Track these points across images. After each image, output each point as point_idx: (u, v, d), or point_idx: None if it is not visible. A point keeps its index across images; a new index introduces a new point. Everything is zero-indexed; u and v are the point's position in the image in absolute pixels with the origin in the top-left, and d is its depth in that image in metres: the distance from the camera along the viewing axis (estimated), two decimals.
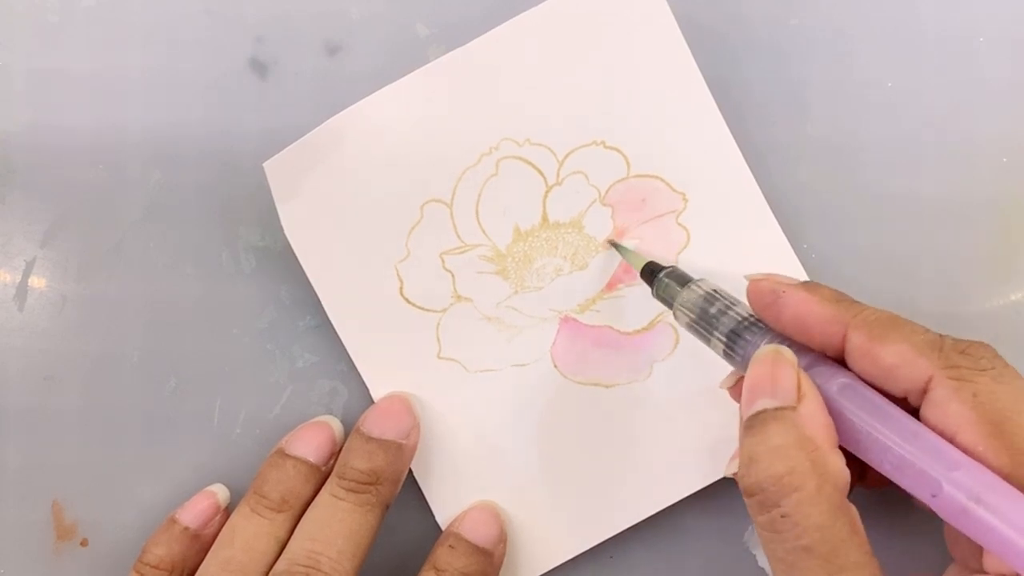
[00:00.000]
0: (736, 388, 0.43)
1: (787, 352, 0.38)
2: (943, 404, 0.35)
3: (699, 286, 0.42)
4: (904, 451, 0.34)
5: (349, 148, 0.48)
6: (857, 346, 0.37)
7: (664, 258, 0.48)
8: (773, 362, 0.37)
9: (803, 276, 0.48)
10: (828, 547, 0.33)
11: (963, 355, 0.35)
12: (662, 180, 0.48)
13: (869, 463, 0.36)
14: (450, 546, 0.46)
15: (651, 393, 0.48)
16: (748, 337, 0.40)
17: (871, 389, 0.36)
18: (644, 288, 0.47)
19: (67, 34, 0.51)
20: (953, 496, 0.33)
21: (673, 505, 0.48)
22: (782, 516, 0.34)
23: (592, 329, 0.48)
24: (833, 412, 0.36)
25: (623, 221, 0.48)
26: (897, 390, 0.36)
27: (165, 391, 0.50)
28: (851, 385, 0.36)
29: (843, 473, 0.35)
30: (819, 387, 0.36)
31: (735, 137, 0.48)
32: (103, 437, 0.50)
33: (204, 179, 0.50)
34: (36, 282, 0.50)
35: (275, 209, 0.48)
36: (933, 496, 0.33)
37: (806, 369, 0.37)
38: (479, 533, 0.46)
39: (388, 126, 0.48)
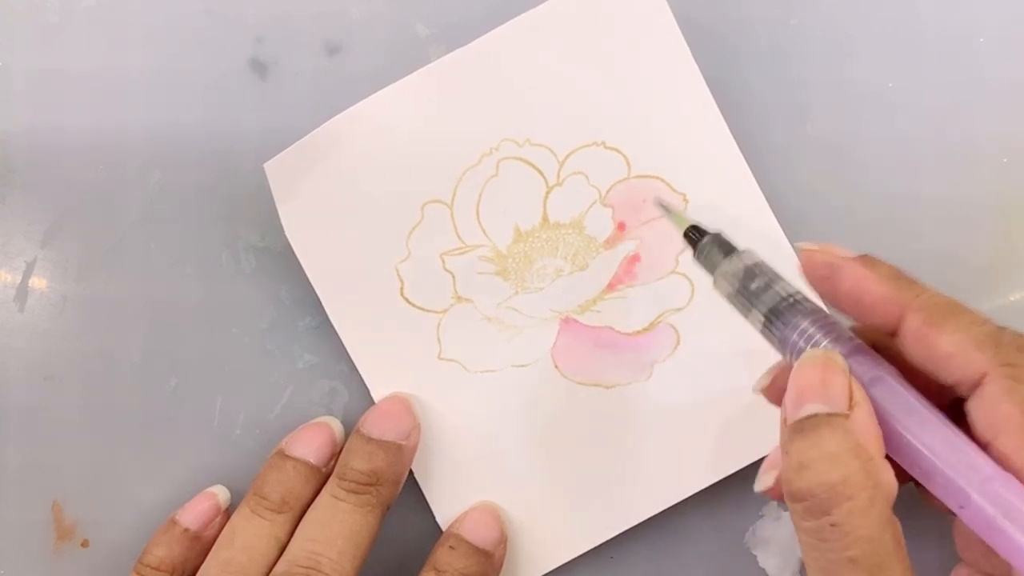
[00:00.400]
0: (771, 389, 0.41)
1: (838, 358, 0.36)
2: (993, 402, 0.34)
3: (743, 257, 0.40)
4: (935, 457, 0.34)
5: (349, 149, 0.48)
6: (913, 330, 0.35)
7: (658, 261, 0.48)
8: (824, 366, 0.36)
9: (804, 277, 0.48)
10: (874, 560, 0.33)
11: (1022, 352, 0.34)
12: (663, 180, 0.48)
13: (897, 460, 0.35)
14: (450, 547, 0.46)
15: (651, 394, 0.48)
16: (789, 317, 0.38)
17: (907, 385, 0.35)
18: (645, 289, 0.48)
19: (67, 34, 0.51)
20: (982, 509, 0.32)
21: (674, 505, 0.48)
22: (831, 524, 0.33)
23: (592, 330, 0.48)
24: None
25: (623, 221, 0.48)
26: (949, 379, 0.35)
27: (165, 391, 0.50)
28: (885, 380, 0.35)
29: (893, 485, 0.34)
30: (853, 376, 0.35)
31: (735, 137, 0.48)
32: (103, 437, 0.50)
33: (204, 179, 0.50)
34: (36, 282, 0.50)
35: (275, 209, 0.48)
36: (961, 507, 0.33)
37: (844, 357, 0.36)
38: (480, 534, 0.46)
39: (389, 127, 0.48)
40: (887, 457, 0.35)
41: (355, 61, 0.50)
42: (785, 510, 0.48)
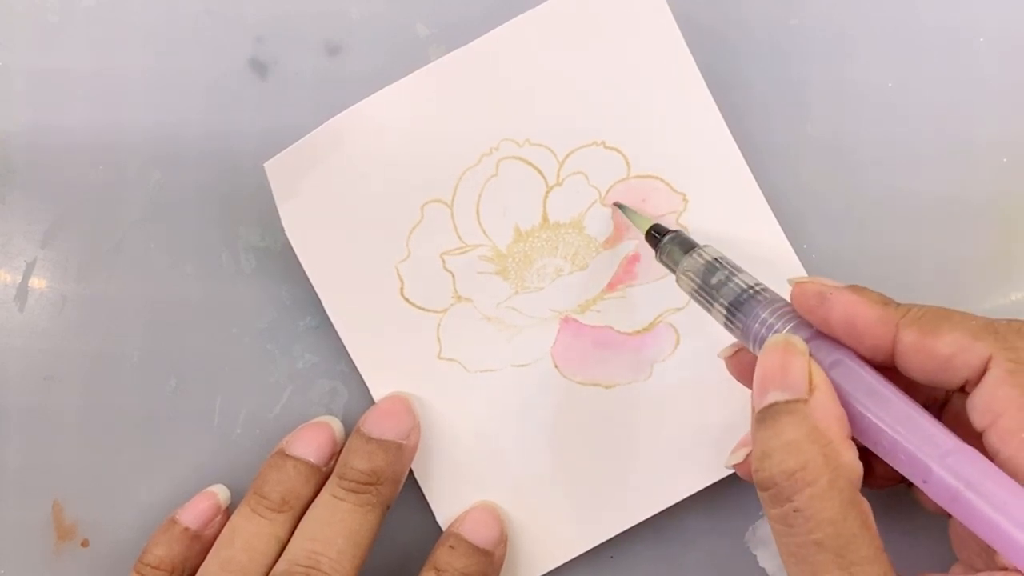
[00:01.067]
0: (734, 360, 0.43)
1: (798, 342, 0.37)
2: (993, 386, 0.34)
3: (702, 253, 0.42)
4: (896, 434, 0.34)
5: (349, 148, 0.48)
6: (910, 343, 0.36)
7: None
8: (784, 352, 0.37)
9: (802, 272, 0.48)
10: (839, 542, 0.33)
11: (1020, 335, 0.35)
12: (662, 180, 0.48)
13: (865, 444, 0.35)
14: (450, 546, 0.46)
15: (651, 394, 0.48)
16: (750, 307, 0.39)
17: (866, 367, 0.36)
18: (645, 289, 0.48)
19: (67, 34, 0.51)
20: (944, 481, 0.33)
21: (673, 505, 0.48)
22: (794, 511, 0.34)
23: (592, 329, 0.48)
24: None
25: (623, 221, 0.48)
26: (956, 380, 0.35)
27: (165, 391, 0.50)
28: (844, 362, 0.36)
29: (855, 466, 0.35)
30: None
31: (735, 137, 0.48)
32: (103, 437, 0.50)
33: (204, 179, 0.50)
34: (36, 282, 0.51)
35: (275, 209, 0.48)
36: (924, 481, 0.33)
37: (805, 342, 0.37)
38: (480, 534, 0.46)
39: (389, 126, 0.48)
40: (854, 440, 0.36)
41: (355, 61, 0.50)
42: None
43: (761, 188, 0.48)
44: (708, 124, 0.48)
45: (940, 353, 0.35)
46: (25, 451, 0.50)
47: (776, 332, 0.38)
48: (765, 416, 0.36)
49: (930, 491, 0.33)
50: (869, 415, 0.35)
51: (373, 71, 0.50)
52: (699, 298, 0.42)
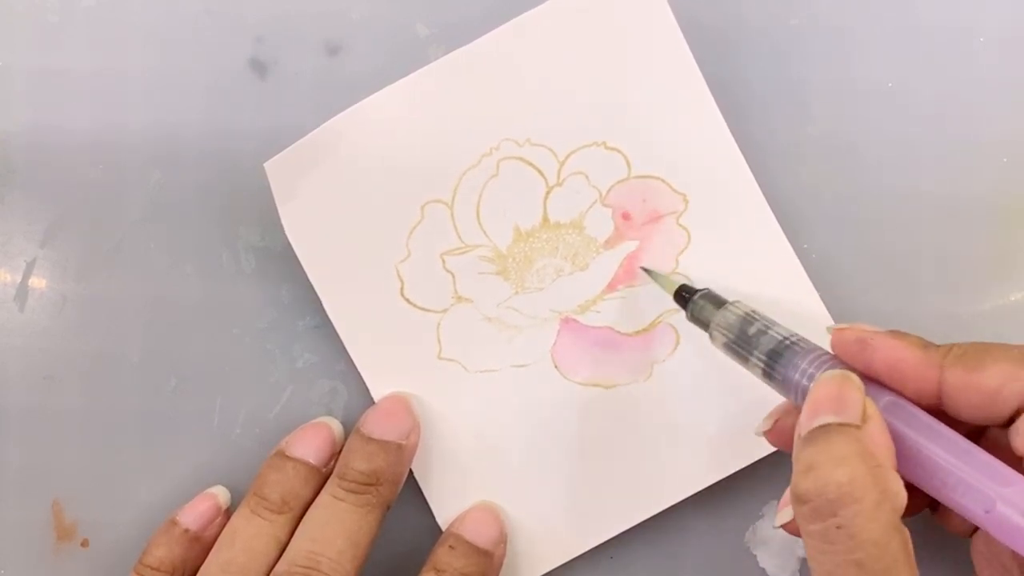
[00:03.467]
0: (773, 432, 0.42)
1: (854, 377, 0.37)
2: None
3: (735, 308, 0.42)
4: (956, 468, 0.34)
5: (350, 148, 0.48)
6: (956, 381, 0.36)
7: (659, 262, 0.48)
8: (840, 384, 0.36)
9: (803, 276, 0.48)
10: (881, 565, 0.33)
11: None
12: (663, 181, 0.48)
13: (915, 482, 0.35)
14: (450, 546, 0.46)
15: (651, 394, 0.48)
16: (789, 358, 0.39)
17: (921, 411, 0.36)
18: (645, 289, 0.48)
19: (67, 34, 0.51)
20: (1006, 513, 0.32)
21: (674, 505, 0.48)
22: (837, 527, 0.33)
23: (592, 330, 0.48)
24: None
25: (623, 222, 0.48)
26: (1006, 411, 0.35)
27: (165, 391, 0.50)
28: (898, 403, 0.36)
29: (902, 494, 0.34)
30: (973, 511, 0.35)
31: (735, 137, 0.48)
32: (103, 437, 0.50)
33: (204, 179, 0.50)
34: (36, 282, 0.50)
35: (275, 209, 0.48)
36: (986, 512, 0.33)
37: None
38: (479, 534, 0.46)
39: (389, 126, 0.48)
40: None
41: (355, 61, 0.50)
42: None
43: (761, 188, 0.48)
44: (709, 125, 0.48)
45: (987, 386, 0.35)
46: (25, 451, 0.50)
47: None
48: (815, 435, 0.35)
49: (990, 523, 0.33)
50: (929, 450, 0.34)
51: (373, 71, 0.49)
52: (735, 351, 0.42)
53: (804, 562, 0.48)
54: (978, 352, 0.36)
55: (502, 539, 0.47)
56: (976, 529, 0.40)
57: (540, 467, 0.48)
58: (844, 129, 0.50)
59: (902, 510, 0.34)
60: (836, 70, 0.50)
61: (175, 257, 0.50)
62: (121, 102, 0.51)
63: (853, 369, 0.38)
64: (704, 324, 0.43)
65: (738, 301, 0.43)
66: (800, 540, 0.45)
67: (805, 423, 0.36)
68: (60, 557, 0.50)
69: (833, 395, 0.36)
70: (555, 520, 0.48)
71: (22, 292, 0.51)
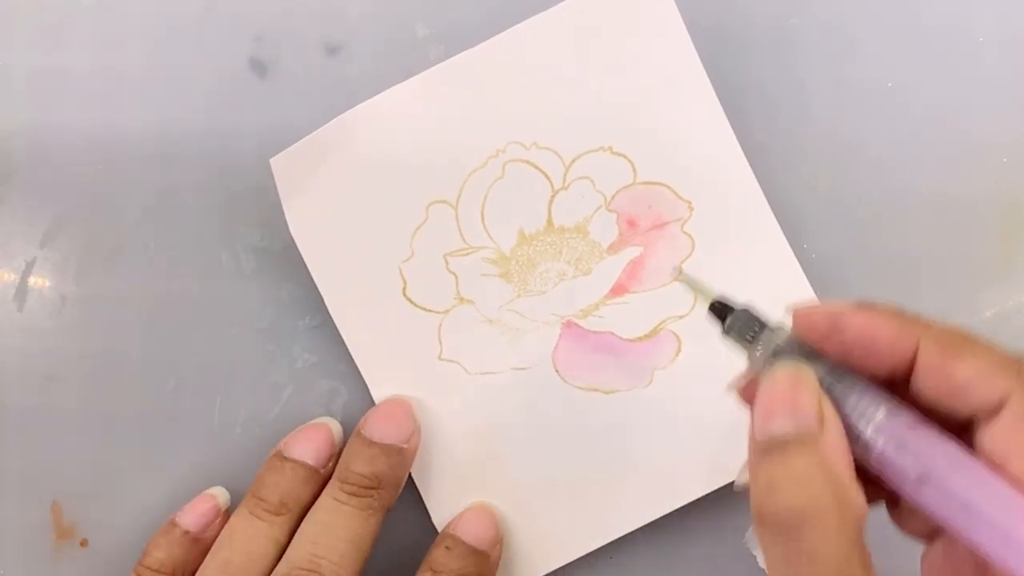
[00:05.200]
0: (748, 390, 0.39)
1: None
2: (1009, 428, 0.33)
3: (776, 335, 0.38)
4: (994, 550, 0.32)
5: (356, 147, 0.48)
6: (927, 362, 0.34)
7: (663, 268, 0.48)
8: (793, 383, 0.35)
9: (807, 287, 0.48)
10: None
11: None
12: (668, 187, 0.48)
13: (929, 510, 0.34)
14: (446, 547, 0.46)
15: (651, 401, 0.48)
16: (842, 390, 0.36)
17: (963, 473, 0.34)
18: (647, 295, 0.48)
19: (67, 34, 0.51)
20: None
21: None
22: (798, 549, 0.33)
23: (594, 335, 0.48)
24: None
25: (628, 228, 0.48)
26: (965, 410, 0.34)
27: (165, 391, 0.50)
28: (935, 480, 0.33)
29: (862, 507, 0.33)
30: (900, 472, 0.34)
31: (736, 136, 0.48)
32: (103, 437, 0.50)
33: (204, 179, 0.50)
34: (36, 282, 0.50)
35: (275, 209, 0.48)
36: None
37: (905, 434, 0.34)
38: (475, 534, 0.47)
39: (395, 126, 0.48)
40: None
41: (355, 61, 0.50)
42: None
43: (761, 188, 0.48)
44: (715, 132, 0.48)
45: (956, 379, 0.34)
46: (25, 451, 0.50)
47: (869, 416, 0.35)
48: (772, 448, 0.34)
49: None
50: (965, 530, 0.33)
51: (373, 71, 0.50)
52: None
53: None
54: (958, 341, 0.34)
55: (498, 540, 0.47)
56: (934, 535, 0.39)
57: (538, 470, 0.48)
58: (844, 129, 0.50)
59: (863, 522, 0.33)
60: (836, 70, 0.50)
61: (175, 257, 0.50)
62: (121, 102, 0.51)
63: (822, 352, 0.37)
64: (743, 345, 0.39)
65: (780, 326, 0.38)
66: None
67: (759, 426, 0.35)
68: (60, 557, 0.50)
69: (786, 398, 0.35)
70: (553, 523, 0.48)
71: (22, 292, 0.50)
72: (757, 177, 0.48)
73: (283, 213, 0.48)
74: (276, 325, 0.50)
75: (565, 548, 0.48)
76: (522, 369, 0.48)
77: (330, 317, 0.48)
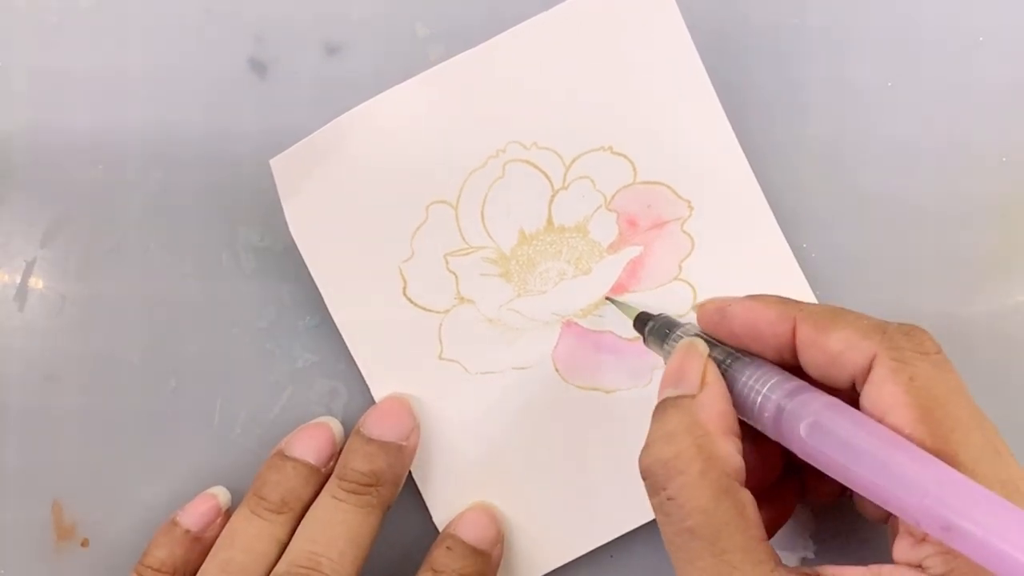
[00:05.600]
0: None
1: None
2: (879, 384, 0.35)
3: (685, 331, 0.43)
4: (878, 485, 0.34)
5: (356, 147, 0.48)
6: (804, 338, 0.37)
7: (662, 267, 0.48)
8: (685, 353, 0.39)
9: (807, 287, 0.48)
10: (711, 530, 0.35)
11: (906, 337, 0.36)
12: (668, 187, 0.48)
13: (855, 485, 0.35)
14: (447, 547, 0.46)
15: (651, 400, 0.47)
16: (737, 368, 0.40)
17: (843, 417, 0.35)
18: (648, 295, 0.48)
19: (67, 34, 0.51)
20: (930, 522, 0.32)
21: None
22: (668, 499, 0.36)
23: (594, 334, 0.48)
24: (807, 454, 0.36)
25: (628, 227, 0.48)
26: (844, 377, 0.37)
27: (165, 391, 0.50)
28: (818, 424, 0.35)
29: (732, 459, 0.36)
30: (789, 432, 0.36)
31: (735, 137, 0.48)
32: (103, 437, 0.50)
33: (204, 179, 0.50)
34: (36, 282, 0.50)
35: (275, 209, 0.48)
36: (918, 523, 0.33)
37: (789, 397, 0.37)
38: (476, 534, 0.47)
39: (396, 126, 0.48)
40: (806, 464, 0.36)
41: (355, 61, 0.50)
42: None
43: (761, 188, 0.48)
44: (715, 132, 0.48)
45: (830, 349, 0.37)
46: (25, 451, 0.50)
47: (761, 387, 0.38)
48: (657, 411, 0.38)
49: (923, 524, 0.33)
50: (848, 472, 0.34)
51: (372, 71, 0.50)
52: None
53: (805, 561, 0.48)
54: (830, 314, 0.37)
55: (499, 539, 0.47)
56: (889, 515, 0.41)
57: (539, 470, 0.48)
58: (844, 129, 0.50)
59: (737, 474, 0.36)
60: (836, 70, 0.50)
61: (175, 257, 0.50)
62: (121, 102, 0.51)
63: (719, 341, 0.41)
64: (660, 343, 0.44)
65: (690, 324, 0.44)
66: (801, 540, 0.46)
67: (658, 396, 0.39)
68: (60, 557, 0.50)
69: (676, 367, 0.39)
70: (553, 523, 0.48)
71: (22, 292, 0.50)
72: (757, 177, 0.48)
73: (283, 213, 0.48)
74: (276, 325, 0.50)
75: (565, 547, 0.48)
76: (522, 369, 0.48)
77: (330, 317, 0.48)
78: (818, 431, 0.35)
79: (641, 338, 0.46)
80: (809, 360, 0.37)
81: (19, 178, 0.51)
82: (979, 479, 0.32)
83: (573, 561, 0.48)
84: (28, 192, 0.51)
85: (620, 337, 0.48)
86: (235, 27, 0.51)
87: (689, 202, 0.48)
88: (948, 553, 0.33)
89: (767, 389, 0.37)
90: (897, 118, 0.50)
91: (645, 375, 0.48)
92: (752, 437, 0.39)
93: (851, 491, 0.38)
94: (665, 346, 0.43)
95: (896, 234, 0.49)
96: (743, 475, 0.36)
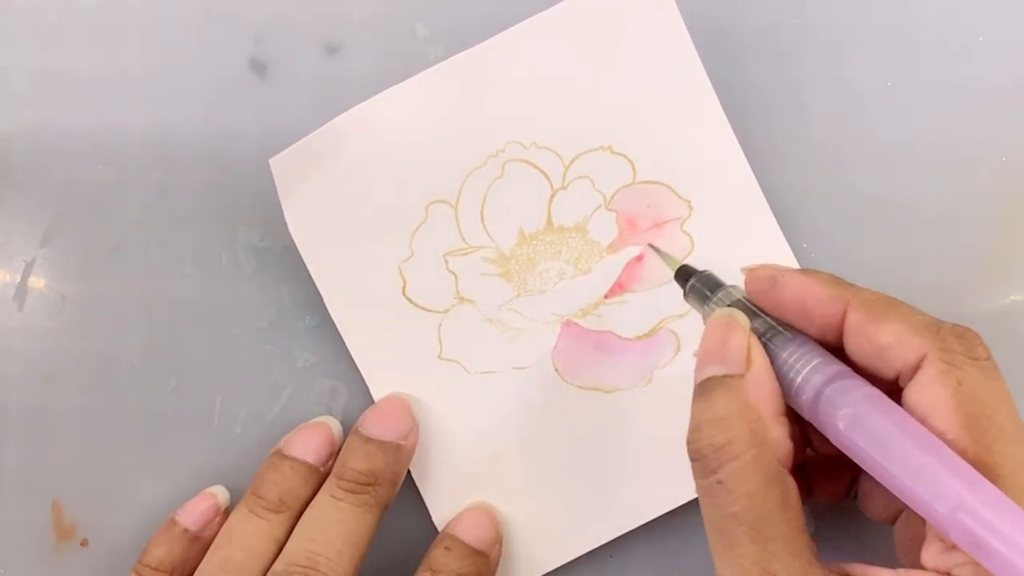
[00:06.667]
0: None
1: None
2: (927, 384, 0.34)
3: (734, 290, 0.41)
4: (910, 490, 0.33)
5: (355, 147, 0.48)
6: (854, 324, 0.37)
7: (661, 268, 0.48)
8: (726, 327, 0.38)
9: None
10: (755, 515, 0.34)
11: (959, 340, 0.35)
12: (668, 187, 0.48)
13: (881, 479, 0.35)
14: (446, 547, 0.46)
15: (651, 400, 0.48)
16: (778, 342, 0.39)
17: (884, 413, 0.35)
18: (647, 294, 0.48)
19: (67, 34, 0.51)
20: (965, 519, 0.32)
21: None
22: (718, 482, 0.35)
23: (593, 334, 0.48)
24: (842, 445, 0.35)
25: (627, 227, 0.48)
26: (890, 370, 0.36)
27: (165, 391, 0.50)
28: (857, 418, 0.35)
29: (783, 443, 0.36)
30: (826, 417, 0.36)
31: (735, 137, 0.48)
32: (103, 437, 0.50)
33: (204, 179, 0.50)
34: (36, 282, 0.50)
35: (275, 209, 0.48)
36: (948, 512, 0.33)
37: (830, 381, 0.36)
38: (475, 534, 0.47)
39: (395, 126, 0.48)
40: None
41: (355, 61, 0.50)
42: None
43: (761, 188, 0.48)
44: (715, 131, 0.48)
45: (879, 341, 0.36)
46: (25, 451, 0.50)
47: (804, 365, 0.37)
48: (701, 390, 0.37)
49: (951, 524, 0.32)
50: (882, 469, 0.34)
51: (372, 71, 0.50)
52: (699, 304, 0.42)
53: None
54: (884, 304, 0.37)
55: (497, 539, 0.47)
56: (897, 517, 0.41)
57: (539, 470, 0.48)
58: (844, 129, 0.50)
59: (787, 458, 0.36)
60: (836, 70, 0.50)
61: (175, 257, 0.50)
62: (121, 102, 0.51)
63: (764, 311, 0.39)
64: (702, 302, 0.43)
65: (735, 286, 0.42)
66: None
67: (697, 373, 0.38)
68: (60, 557, 0.50)
69: (718, 342, 0.38)
70: (552, 523, 0.48)
71: (22, 292, 0.50)
72: (757, 177, 0.48)
73: (283, 213, 0.48)
74: (276, 325, 0.50)
75: (565, 547, 0.48)
76: (522, 368, 0.48)
77: (330, 317, 0.48)
78: (855, 423, 0.35)
79: (641, 337, 0.46)
80: (856, 348, 0.37)
81: (19, 178, 0.51)
82: (1018, 493, 0.32)
83: (573, 561, 0.48)
84: (28, 192, 0.51)
85: (620, 337, 0.48)
86: (235, 27, 0.51)
87: (689, 202, 0.48)
88: (979, 564, 0.32)
89: (808, 371, 0.36)
90: (897, 118, 0.50)
91: (645, 375, 0.48)
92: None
93: (856, 492, 0.38)
94: (706, 306, 0.42)
95: (896, 234, 0.49)
96: (791, 459, 0.36)
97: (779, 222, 0.48)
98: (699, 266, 0.42)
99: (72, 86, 0.51)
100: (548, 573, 0.49)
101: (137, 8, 0.51)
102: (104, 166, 0.50)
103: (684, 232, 0.48)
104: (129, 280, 0.50)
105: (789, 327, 0.39)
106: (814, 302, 0.38)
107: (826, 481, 0.44)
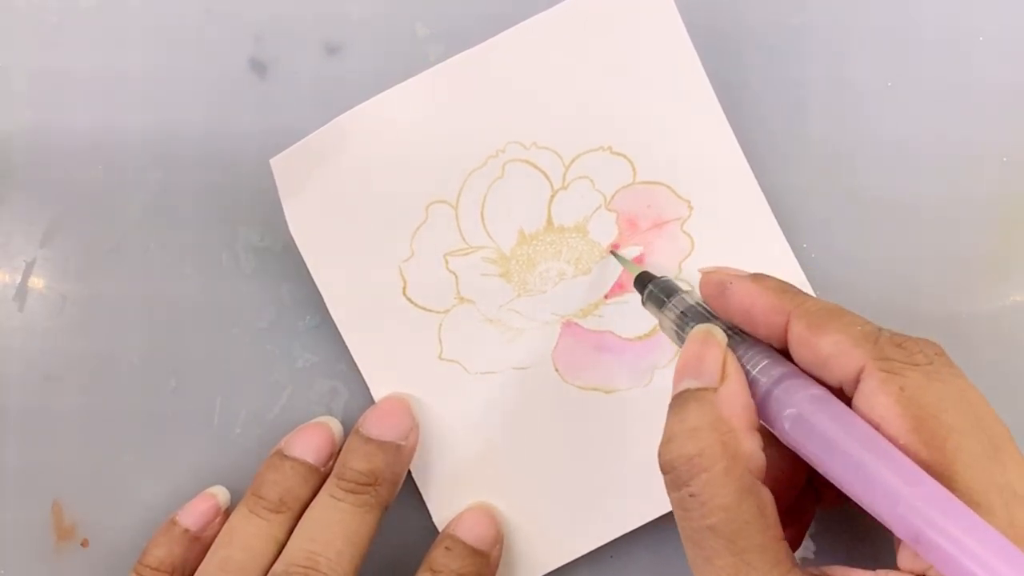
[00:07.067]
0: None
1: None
2: (870, 395, 0.35)
3: (688, 296, 0.43)
4: (854, 486, 0.34)
5: (356, 147, 0.48)
6: (796, 335, 0.37)
7: (662, 267, 0.48)
8: (703, 342, 0.38)
9: (807, 287, 0.48)
10: (731, 528, 0.34)
11: (898, 348, 0.35)
12: (668, 187, 0.48)
13: (831, 478, 0.35)
14: (446, 547, 0.46)
15: (651, 400, 0.48)
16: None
17: (827, 412, 0.36)
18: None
19: (67, 34, 0.51)
20: (908, 515, 0.32)
21: None
22: (690, 495, 0.35)
23: (594, 334, 0.48)
24: (791, 444, 0.36)
25: (627, 227, 0.48)
26: (833, 380, 0.36)
27: (165, 391, 0.50)
28: (822, 397, 0.36)
29: (756, 456, 0.36)
30: (774, 417, 0.36)
31: (735, 137, 0.48)
32: (103, 437, 0.50)
33: (204, 179, 0.50)
34: (36, 282, 0.50)
35: (275, 209, 0.48)
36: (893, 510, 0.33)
37: (777, 383, 0.37)
38: (475, 534, 0.47)
39: (396, 126, 0.48)
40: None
41: (355, 61, 0.50)
42: None
43: (761, 188, 0.48)
44: (715, 132, 0.48)
45: (821, 352, 0.36)
46: (25, 451, 0.50)
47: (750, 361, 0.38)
48: (675, 403, 0.37)
49: (895, 521, 0.33)
50: (828, 467, 0.35)
51: (372, 71, 0.50)
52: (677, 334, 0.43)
53: (805, 561, 0.48)
54: (824, 315, 0.37)
55: (498, 540, 0.47)
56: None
57: (539, 470, 0.48)
58: (844, 129, 0.50)
59: (759, 471, 0.36)
60: (836, 70, 0.50)
61: (175, 257, 0.50)
62: (121, 102, 0.51)
63: (716, 316, 0.40)
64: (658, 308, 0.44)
65: (690, 292, 0.43)
66: (802, 541, 0.46)
67: (673, 387, 0.38)
68: (60, 557, 0.50)
69: (694, 356, 0.38)
70: (553, 523, 0.48)
71: (22, 292, 0.50)
72: (757, 177, 0.48)
73: (283, 213, 0.48)
74: (276, 325, 0.50)
75: (565, 548, 0.48)
76: (522, 368, 0.48)
77: (330, 317, 0.48)
78: (800, 423, 0.35)
79: (641, 337, 0.46)
80: (800, 357, 0.37)
81: (19, 178, 0.51)
82: (975, 486, 0.33)
83: (573, 561, 0.48)
84: (28, 192, 0.51)
85: (620, 337, 0.48)
86: (235, 27, 0.51)
87: (689, 202, 0.48)
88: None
89: (757, 371, 0.37)
90: (897, 118, 0.50)
91: (645, 375, 0.48)
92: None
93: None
94: (662, 312, 0.43)
95: (896, 234, 0.49)
96: (764, 472, 0.36)
97: (779, 222, 0.48)
98: (701, 267, 0.42)
99: (72, 86, 0.51)
100: (548, 573, 0.49)
101: (137, 8, 0.51)
102: (104, 166, 0.50)
103: (684, 232, 0.48)
104: (129, 280, 0.50)
105: (741, 330, 0.39)
106: (759, 311, 0.38)
107: (829, 487, 0.44)
